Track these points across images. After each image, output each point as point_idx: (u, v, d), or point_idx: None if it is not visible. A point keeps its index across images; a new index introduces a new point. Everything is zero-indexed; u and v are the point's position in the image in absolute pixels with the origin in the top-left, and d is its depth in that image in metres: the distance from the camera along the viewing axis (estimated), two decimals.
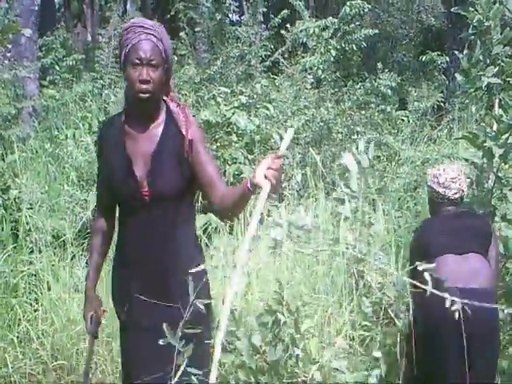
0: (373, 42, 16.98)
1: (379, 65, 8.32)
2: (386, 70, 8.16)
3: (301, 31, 8.45)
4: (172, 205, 2.66)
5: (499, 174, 4.15)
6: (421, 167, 6.72)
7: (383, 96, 7.93)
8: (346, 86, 8.20)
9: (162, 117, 2.69)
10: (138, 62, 2.54)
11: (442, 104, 9.15)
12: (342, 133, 7.23)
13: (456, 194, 3.55)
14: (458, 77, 4.28)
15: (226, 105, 7.09)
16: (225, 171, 6.26)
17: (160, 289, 2.67)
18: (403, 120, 8.22)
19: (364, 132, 7.14)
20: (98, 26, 17.15)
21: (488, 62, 4.31)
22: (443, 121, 8.71)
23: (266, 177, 2.22)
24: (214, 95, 7.18)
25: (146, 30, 2.56)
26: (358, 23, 8.87)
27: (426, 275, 1.86)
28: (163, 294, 2.64)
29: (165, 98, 2.71)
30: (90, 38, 20.23)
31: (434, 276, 3.10)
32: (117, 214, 2.85)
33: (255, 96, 7.43)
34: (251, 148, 6.68)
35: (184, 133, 2.64)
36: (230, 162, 6.48)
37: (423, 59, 9.26)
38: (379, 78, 7.84)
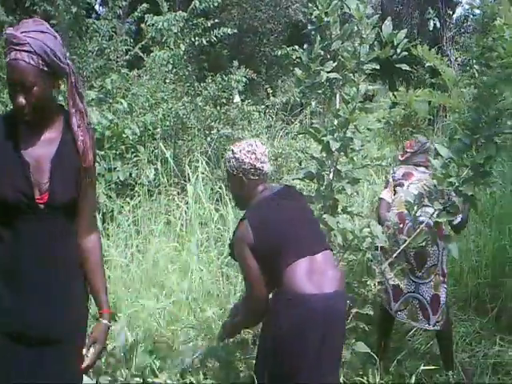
0: (240, 37, 17.08)
1: (235, 62, 8.27)
2: (242, 66, 8.13)
3: (150, 25, 8.25)
4: (64, 215, 2.50)
5: (338, 168, 4.20)
6: (275, 162, 6.78)
7: (240, 92, 7.93)
8: (204, 80, 8.13)
9: (60, 122, 2.52)
10: (11, 84, 2.37)
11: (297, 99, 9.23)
12: (196, 128, 7.17)
13: (269, 168, 3.44)
14: (298, 71, 4.30)
15: None
16: None
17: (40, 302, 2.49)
18: (258, 114, 8.21)
19: (218, 127, 7.13)
20: None
21: (328, 56, 4.36)
22: (300, 115, 8.84)
23: None
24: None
25: (16, 45, 2.34)
26: (215, 19, 8.82)
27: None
28: (43, 308, 2.49)
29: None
30: None
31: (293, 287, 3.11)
32: None
33: (108, 91, 7.22)
34: (102, 144, 6.49)
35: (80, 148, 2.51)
36: None
37: (278, 54, 9.31)
38: (231, 74, 7.81)
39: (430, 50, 5.32)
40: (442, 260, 4.45)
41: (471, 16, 17.88)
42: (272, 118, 8.23)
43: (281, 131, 8.06)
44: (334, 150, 4.03)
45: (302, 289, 3.07)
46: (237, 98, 7.88)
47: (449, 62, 13.79)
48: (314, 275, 3.13)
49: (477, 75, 4.38)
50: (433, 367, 4.38)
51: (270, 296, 3.26)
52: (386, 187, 4.72)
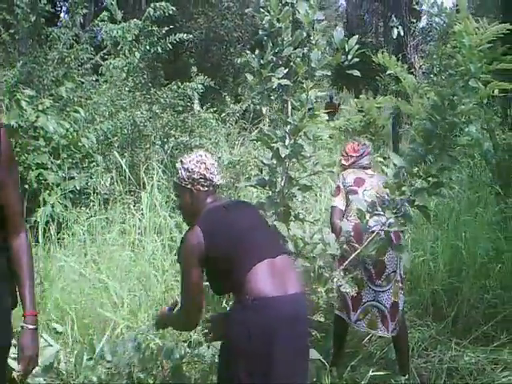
0: (207, 46, 17.07)
1: (193, 68, 8.25)
2: (201, 73, 8.10)
3: (105, 32, 8.21)
4: None
5: (290, 175, 4.18)
6: (233, 170, 6.75)
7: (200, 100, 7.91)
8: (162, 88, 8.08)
9: None
10: None
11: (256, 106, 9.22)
12: (153, 135, 7.13)
13: (219, 180, 3.40)
14: (249, 77, 4.28)
15: (33, 108, 6.78)
16: (26, 177, 5.98)
17: None
18: (216, 122, 8.18)
19: (175, 135, 7.08)
20: None
21: (280, 63, 4.34)
22: (261, 123, 8.82)
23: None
24: (18, 99, 6.81)
25: None
26: (182, 28, 8.84)
27: None
28: None
29: None
30: None
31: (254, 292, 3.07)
32: None
33: (65, 99, 7.15)
34: (58, 152, 6.41)
35: None
36: (33, 168, 6.19)
37: (239, 61, 9.29)
38: (188, 81, 7.78)
39: (394, 57, 5.38)
40: (400, 266, 4.46)
41: (434, 24, 18.14)
42: (232, 125, 8.21)
43: (241, 139, 8.04)
44: (283, 156, 4.00)
45: (266, 292, 3.01)
46: (197, 106, 7.85)
47: (413, 70, 13.95)
48: (276, 278, 3.08)
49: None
50: (384, 372, 4.38)
51: (231, 303, 3.22)
52: (337, 194, 4.68)
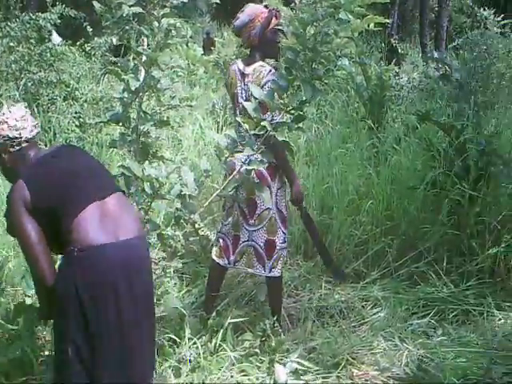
0: None
1: None
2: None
3: None
4: None
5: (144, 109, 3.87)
6: (97, 106, 6.33)
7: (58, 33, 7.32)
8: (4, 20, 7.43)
9: None
10: None
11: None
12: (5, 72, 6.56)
13: (32, 131, 3.12)
14: (96, 5, 3.85)
15: None
16: None
17: None
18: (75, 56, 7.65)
19: (28, 70, 6.54)
20: None
21: None
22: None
23: None
24: None
25: None
26: None
27: None
28: None
29: None
30: None
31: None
32: None
33: None
34: None
35: None
36: None
37: None
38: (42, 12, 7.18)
39: None
40: (276, 203, 4.26)
41: None
42: (97, 60, 7.69)
43: (106, 74, 7.56)
44: (133, 89, 3.68)
45: (93, 240, 2.73)
46: (55, 39, 7.27)
47: (293, 3, 13.71)
48: (107, 222, 2.81)
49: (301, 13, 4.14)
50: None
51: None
52: None
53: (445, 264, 5.21)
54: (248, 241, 4.30)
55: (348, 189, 5.82)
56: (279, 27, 4.28)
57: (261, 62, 4.24)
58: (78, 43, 8.34)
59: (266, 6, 4.34)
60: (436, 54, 6.58)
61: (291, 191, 4.32)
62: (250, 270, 4.41)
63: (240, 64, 4.32)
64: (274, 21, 4.24)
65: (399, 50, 13.12)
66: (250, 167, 3.79)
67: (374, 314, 4.78)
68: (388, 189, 5.77)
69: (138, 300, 2.84)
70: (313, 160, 6.47)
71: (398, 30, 17.03)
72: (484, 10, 6.27)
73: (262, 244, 4.29)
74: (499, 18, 5.95)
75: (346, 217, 5.61)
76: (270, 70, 4.11)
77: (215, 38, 17.68)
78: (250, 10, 4.28)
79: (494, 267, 5.14)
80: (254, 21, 4.25)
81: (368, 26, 4.22)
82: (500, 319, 4.73)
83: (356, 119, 7.47)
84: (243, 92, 4.23)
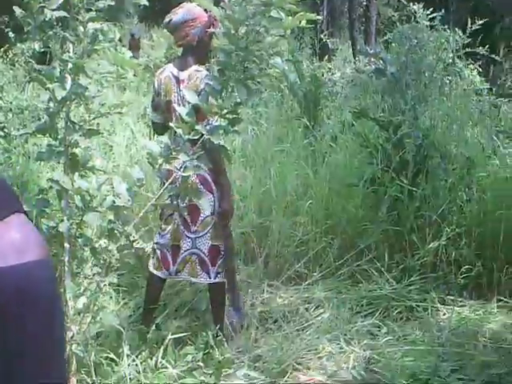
0: None
1: None
2: None
3: None
4: None
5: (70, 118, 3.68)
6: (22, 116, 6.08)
7: None
8: None
9: None
10: None
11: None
12: None
13: None
14: (17, 10, 3.65)
15: None
16: None
17: None
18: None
19: None
20: None
21: None
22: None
23: None
24: None
25: None
26: None
27: None
28: None
29: None
30: None
31: None
32: None
33: None
34: None
35: None
36: None
37: None
38: None
39: None
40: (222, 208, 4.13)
41: None
42: (21, 66, 7.39)
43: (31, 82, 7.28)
44: (59, 98, 3.49)
45: None
46: None
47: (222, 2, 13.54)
48: None
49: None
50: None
51: None
52: None
53: (386, 260, 5.18)
54: (191, 249, 4.16)
55: (286, 189, 5.73)
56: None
57: (195, 66, 4.11)
58: (1, 49, 8.01)
59: (205, 11, 4.21)
60: (369, 49, 6.55)
61: (221, 205, 4.18)
62: (193, 279, 4.25)
63: (173, 69, 4.18)
64: (211, 28, 4.12)
65: (330, 46, 13.13)
66: (185, 174, 3.64)
67: (318, 316, 4.71)
68: (326, 188, 5.71)
69: None
70: (249, 162, 6.35)
71: (327, 26, 17.10)
72: (413, 3, 6.25)
73: (205, 251, 4.15)
74: (428, 12, 5.92)
75: (286, 218, 5.53)
76: (207, 75, 3.98)
77: (142, 40, 17.42)
78: (192, 8, 4.14)
79: (436, 261, 5.15)
80: (196, 20, 4.12)
81: (300, 22, 4.14)
82: (444, 314, 4.73)
83: (291, 118, 7.39)
84: (179, 98, 4.10)
